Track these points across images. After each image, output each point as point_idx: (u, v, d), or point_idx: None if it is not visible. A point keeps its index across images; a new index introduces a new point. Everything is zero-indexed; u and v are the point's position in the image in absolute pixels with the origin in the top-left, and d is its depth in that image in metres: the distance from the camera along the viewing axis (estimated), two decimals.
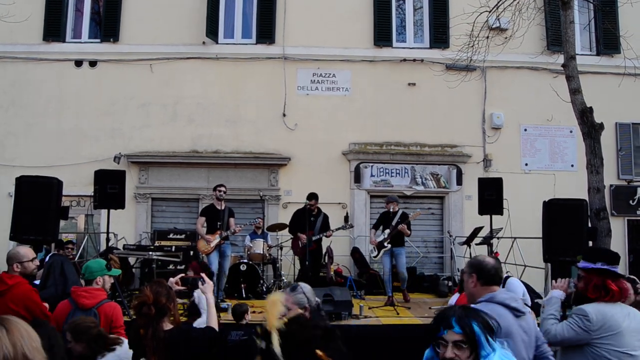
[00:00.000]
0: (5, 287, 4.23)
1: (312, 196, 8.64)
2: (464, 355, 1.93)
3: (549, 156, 11.60)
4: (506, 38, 9.69)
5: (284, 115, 11.41)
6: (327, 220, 8.82)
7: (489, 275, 2.84)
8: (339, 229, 8.74)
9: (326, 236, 8.69)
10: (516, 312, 2.75)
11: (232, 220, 8.35)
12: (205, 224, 8.28)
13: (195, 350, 2.99)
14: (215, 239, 8.10)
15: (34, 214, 6.13)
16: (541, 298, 4.93)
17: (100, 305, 3.96)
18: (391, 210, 8.36)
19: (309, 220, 8.53)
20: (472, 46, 8.80)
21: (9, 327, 1.67)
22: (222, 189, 8.33)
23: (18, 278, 4.33)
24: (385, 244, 8.23)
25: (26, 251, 4.53)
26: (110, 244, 8.04)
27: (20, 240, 6.19)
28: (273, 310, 1.88)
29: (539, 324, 3.28)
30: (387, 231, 8.26)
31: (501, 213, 8.54)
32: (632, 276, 5.04)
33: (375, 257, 8.50)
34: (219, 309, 7.09)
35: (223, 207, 8.32)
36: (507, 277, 4.97)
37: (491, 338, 1.97)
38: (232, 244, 8.87)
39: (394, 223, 8.20)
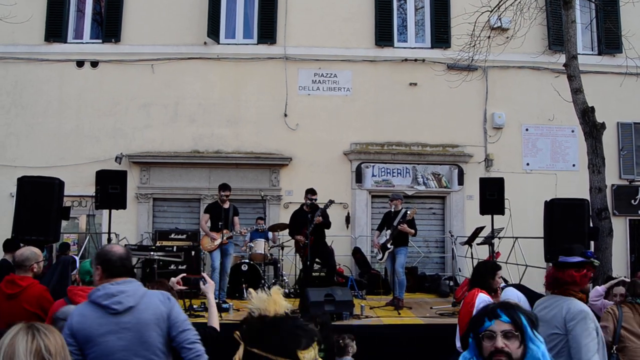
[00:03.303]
0: (19, 289, 4.20)
1: (311, 191, 8.44)
2: (514, 345, 1.84)
3: (550, 156, 11.58)
4: (507, 38, 9.67)
5: (286, 115, 11.41)
6: (322, 213, 8.53)
7: (114, 266, 2.67)
8: (322, 209, 8.23)
9: (315, 223, 8.11)
10: (110, 310, 2.54)
11: (236, 219, 8.31)
12: (209, 222, 8.25)
13: None
14: (220, 238, 8.07)
15: (35, 214, 6.14)
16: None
17: None
18: (393, 209, 8.30)
19: (305, 219, 8.47)
20: (474, 46, 8.80)
21: (48, 333, 1.69)
22: (227, 193, 8.24)
23: (30, 279, 4.32)
24: (388, 245, 8.04)
25: (38, 251, 4.54)
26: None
27: (22, 240, 6.19)
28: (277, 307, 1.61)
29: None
30: (389, 232, 8.14)
31: (502, 213, 8.52)
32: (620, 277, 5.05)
33: (380, 259, 8.30)
34: (221, 309, 7.10)
35: (227, 206, 8.29)
36: (504, 286, 4.81)
37: (536, 331, 1.90)
38: (234, 243, 8.86)
39: (395, 223, 8.08)
